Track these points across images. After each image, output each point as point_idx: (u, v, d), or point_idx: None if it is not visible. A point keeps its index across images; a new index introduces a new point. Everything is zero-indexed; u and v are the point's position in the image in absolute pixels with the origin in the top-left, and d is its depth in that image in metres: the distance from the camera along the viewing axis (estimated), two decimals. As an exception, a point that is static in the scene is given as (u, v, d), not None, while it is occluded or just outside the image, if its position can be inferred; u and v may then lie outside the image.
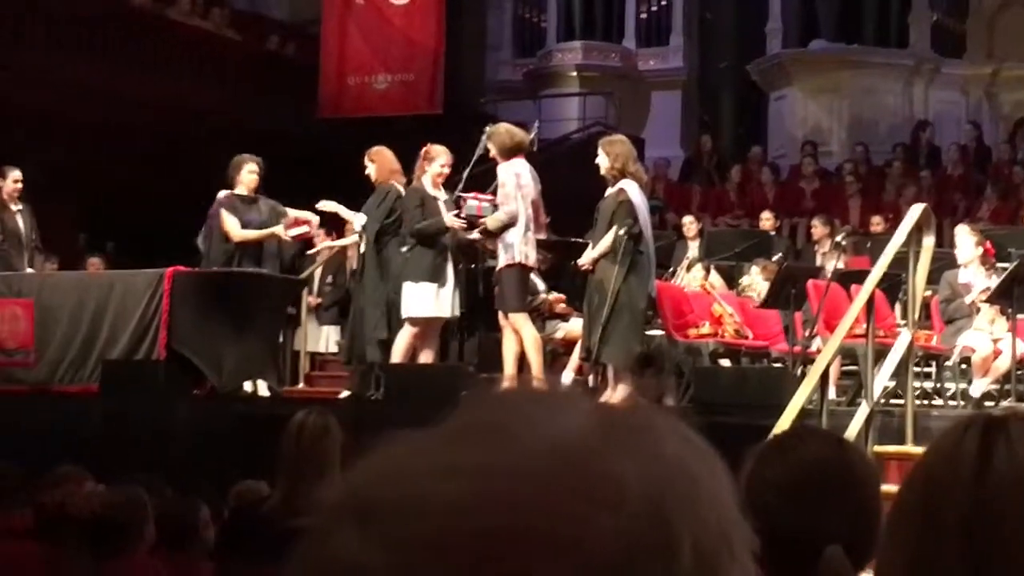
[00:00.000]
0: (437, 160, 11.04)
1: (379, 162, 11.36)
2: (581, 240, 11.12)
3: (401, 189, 11.20)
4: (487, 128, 10.97)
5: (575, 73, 23.47)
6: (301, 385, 13.47)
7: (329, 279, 14.72)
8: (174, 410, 10.52)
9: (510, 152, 10.55)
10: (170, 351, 11.24)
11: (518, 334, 10.36)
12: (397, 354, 10.85)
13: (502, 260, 10.45)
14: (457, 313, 11.04)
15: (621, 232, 9.95)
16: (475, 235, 10.81)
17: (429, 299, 10.73)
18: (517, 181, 10.42)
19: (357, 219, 11.42)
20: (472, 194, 11.00)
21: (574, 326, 11.45)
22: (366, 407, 10.39)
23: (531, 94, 22.81)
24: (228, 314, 11.27)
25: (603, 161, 10.25)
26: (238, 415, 10.27)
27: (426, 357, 11.00)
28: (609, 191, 10.27)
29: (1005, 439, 1.23)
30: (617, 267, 9.97)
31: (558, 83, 23.51)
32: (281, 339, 12.82)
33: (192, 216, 12.03)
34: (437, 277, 10.78)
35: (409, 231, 10.88)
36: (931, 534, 1.22)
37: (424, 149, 11.16)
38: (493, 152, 10.63)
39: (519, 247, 10.38)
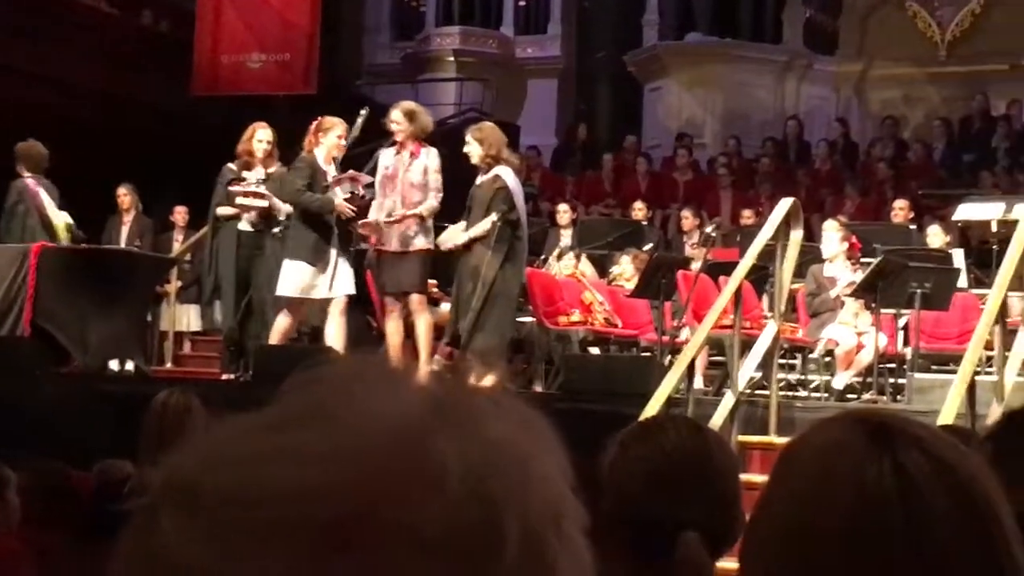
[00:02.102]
0: (333, 131, 10.63)
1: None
2: (454, 226, 11.12)
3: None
4: (405, 111, 10.73)
5: (452, 58, 23.44)
6: (169, 365, 13.35)
7: (188, 257, 14.61)
8: (37, 387, 10.36)
9: (423, 138, 10.52)
10: (35, 327, 11.08)
11: (407, 319, 10.36)
12: (276, 335, 10.52)
13: (422, 242, 10.38)
14: (339, 295, 10.56)
15: (496, 218, 9.98)
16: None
17: (304, 280, 10.43)
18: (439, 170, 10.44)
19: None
20: (349, 174, 10.83)
21: (445, 311, 11.46)
22: (234, 387, 10.32)
23: (408, 78, 22.74)
24: (95, 291, 11.13)
25: (475, 149, 10.24)
26: (103, 393, 10.15)
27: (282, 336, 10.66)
28: (483, 178, 10.27)
29: (906, 472, 1.22)
30: (492, 254, 9.99)
31: (435, 68, 23.48)
32: (149, 318, 12.69)
33: (61, 190, 11.88)
34: (317, 258, 10.45)
35: (292, 203, 10.57)
36: (858, 559, 1.20)
37: (317, 120, 10.78)
38: (406, 134, 10.49)
39: (433, 234, 10.42)
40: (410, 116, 10.46)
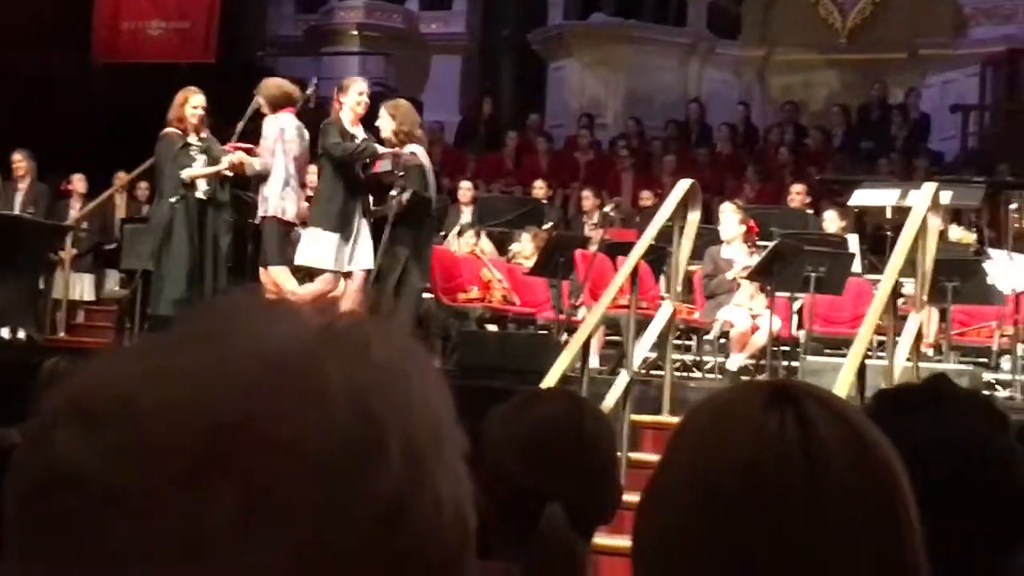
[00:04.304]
0: (353, 89, 10.32)
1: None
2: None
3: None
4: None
5: (356, 32, 23.31)
6: (62, 334, 13.19)
7: (85, 226, 14.43)
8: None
9: (277, 105, 10.45)
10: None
11: (279, 289, 10.26)
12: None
13: (259, 213, 10.36)
14: (358, 269, 10.18)
15: (405, 197, 9.97)
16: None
17: (329, 250, 10.05)
18: (280, 136, 10.32)
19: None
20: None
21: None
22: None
23: (311, 51, 22.60)
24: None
25: (387, 123, 10.23)
26: (-7, 362, 10.01)
27: None
28: None
29: (808, 420, 1.22)
30: (405, 229, 10.00)
31: (339, 41, 23.32)
32: (42, 286, 12.52)
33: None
34: (343, 227, 10.06)
35: (337, 154, 10.05)
36: (759, 522, 1.20)
37: (337, 85, 10.50)
38: (261, 104, 10.49)
39: (275, 201, 10.28)
40: (259, 91, 10.50)
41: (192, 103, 10.86)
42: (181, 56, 16.58)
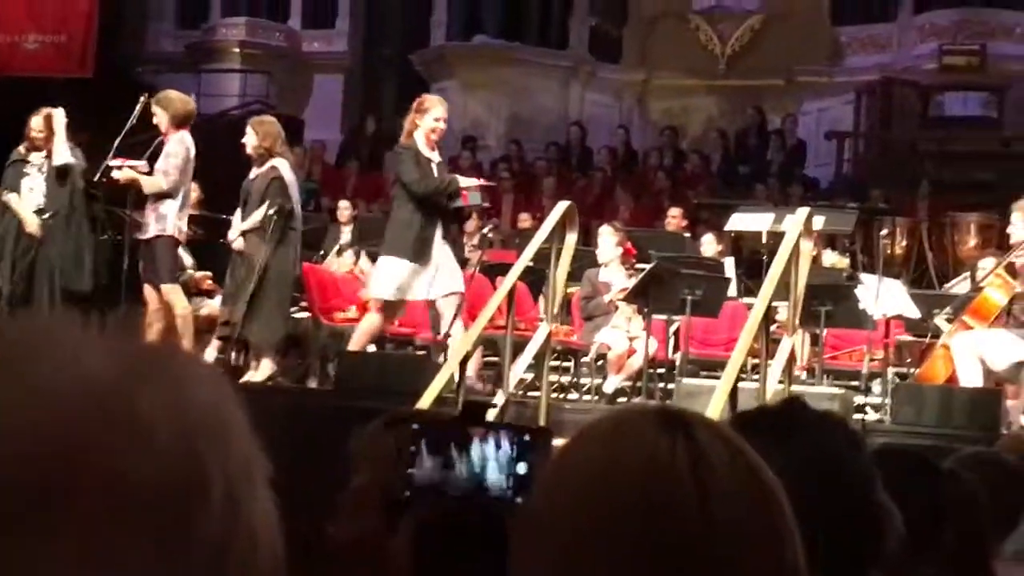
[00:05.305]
0: (431, 112, 9.93)
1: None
2: (231, 218, 11.03)
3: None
4: (154, 96, 10.67)
5: (238, 49, 23.19)
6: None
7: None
8: None
9: (181, 123, 10.35)
10: None
11: (168, 308, 10.17)
12: (363, 336, 10.06)
13: (152, 230, 10.20)
14: (441, 294, 9.91)
15: (271, 212, 9.94)
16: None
17: (403, 278, 9.83)
18: (187, 155, 10.25)
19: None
20: (120, 161, 10.62)
21: (219, 303, 11.33)
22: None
23: (192, 67, 22.44)
24: None
25: (251, 140, 10.26)
26: None
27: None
28: (258, 170, 10.24)
29: (698, 447, 1.23)
30: (267, 245, 9.94)
31: (220, 58, 23.19)
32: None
33: None
34: (418, 256, 9.76)
35: (419, 192, 9.79)
36: (647, 554, 1.19)
37: (417, 100, 10.22)
38: (162, 119, 10.33)
39: (172, 220, 10.19)
40: (159, 103, 10.36)
41: (31, 123, 10.91)
42: (57, 70, 16.40)
